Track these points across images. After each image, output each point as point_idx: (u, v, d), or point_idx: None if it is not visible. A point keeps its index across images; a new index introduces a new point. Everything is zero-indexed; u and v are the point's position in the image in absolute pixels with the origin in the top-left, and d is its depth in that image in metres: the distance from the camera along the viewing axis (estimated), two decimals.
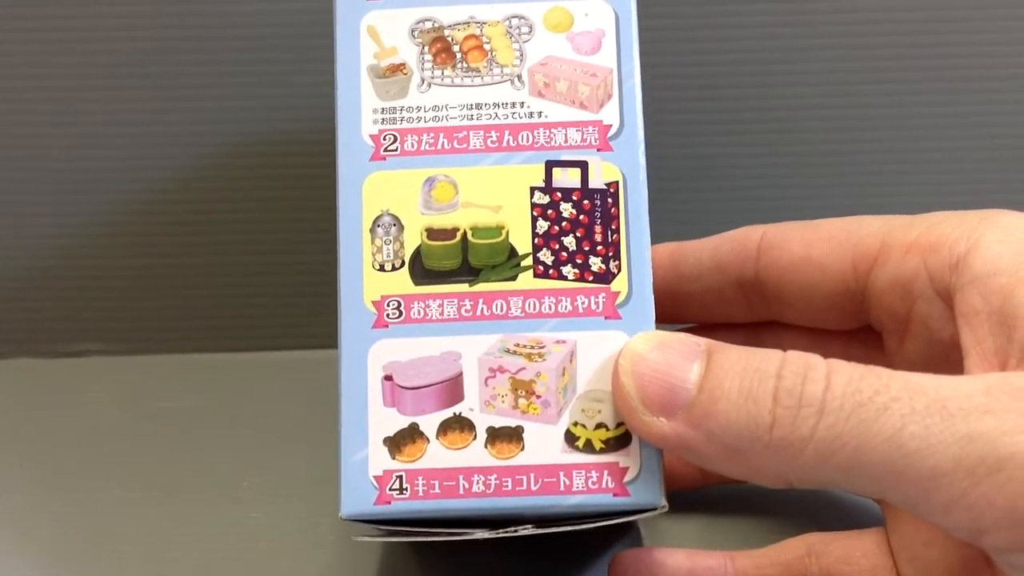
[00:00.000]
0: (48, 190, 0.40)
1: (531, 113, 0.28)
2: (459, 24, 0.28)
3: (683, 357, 0.25)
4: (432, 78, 0.28)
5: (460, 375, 0.27)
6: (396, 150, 0.28)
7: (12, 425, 0.38)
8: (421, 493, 0.26)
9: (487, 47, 0.28)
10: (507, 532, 0.26)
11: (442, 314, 0.27)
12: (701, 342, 0.26)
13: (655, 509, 0.26)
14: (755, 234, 0.31)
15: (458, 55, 0.28)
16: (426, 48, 0.28)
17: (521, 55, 0.28)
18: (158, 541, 0.33)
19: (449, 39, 0.28)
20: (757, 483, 0.26)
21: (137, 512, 0.34)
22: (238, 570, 0.32)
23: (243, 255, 0.40)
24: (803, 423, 0.24)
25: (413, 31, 0.28)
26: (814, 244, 0.30)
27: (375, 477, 0.26)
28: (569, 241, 0.27)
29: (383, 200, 0.27)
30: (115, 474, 0.36)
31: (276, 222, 0.39)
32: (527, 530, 0.26)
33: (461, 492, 0.26)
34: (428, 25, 0.28)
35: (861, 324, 0.31)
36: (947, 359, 0.28)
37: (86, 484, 0.35)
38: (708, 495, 0.34)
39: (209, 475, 0.36)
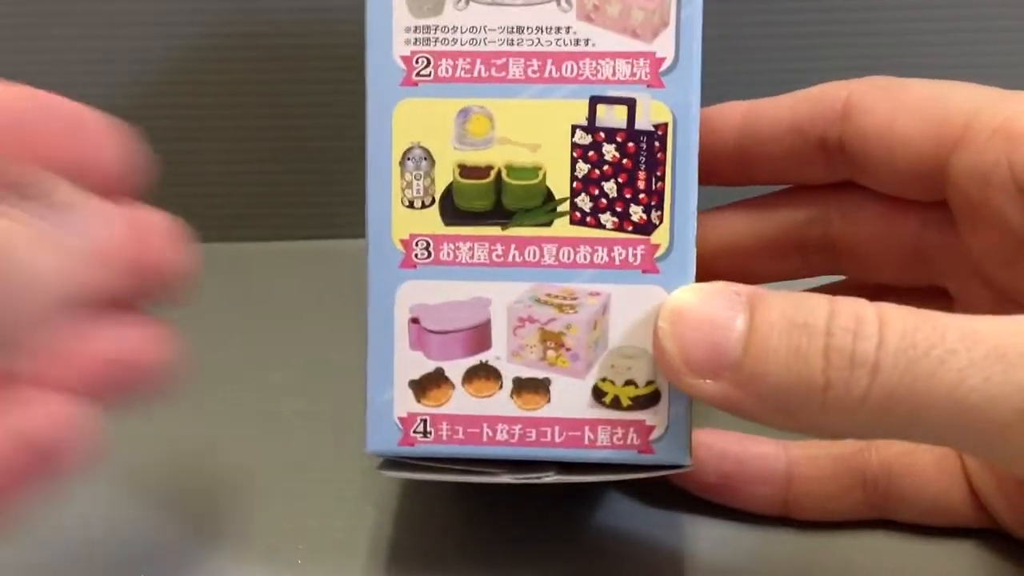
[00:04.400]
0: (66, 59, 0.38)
1: (577, 40, 0.25)
2: None
3: (724, 311, 0.24)
4: None
5: (488, 322, 0.26)
6: (429, 75, 0.26)
7: None
8: (445, 438, 0.26)
9: None
10: (531, 479, 0.26)
11: (472, 257, 0.26)
12: (742, 291, 0.24)
13: (680, 467, 0.26)
14: (840, 93, 0.29)
15: None
16: None
17: None
18: (184, 434, 0.33)
19: None
20: (812, 436, 0.25)
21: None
22: (264, 458, 0.32)
23: (265, 141, 0.38)
24: (856, 384, 0.23)
25: None
26: (898, 115, 0.28)
27: (400, 419, 0.26)
28: (610, 187, 0.26)
29: (414, 131, 0.26)
30: None
31: (298, 106, 0.37)
32: (551, 477, 0.26)
33: (485, 440, 0.26)
34: None
35: (940, 199, 0.29)
36: (1021, 254, 0.26)
37: None
38: None
39: (231, 366, 0.35)
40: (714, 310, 0.24)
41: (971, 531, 0.29)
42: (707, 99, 0.26)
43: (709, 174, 0.27)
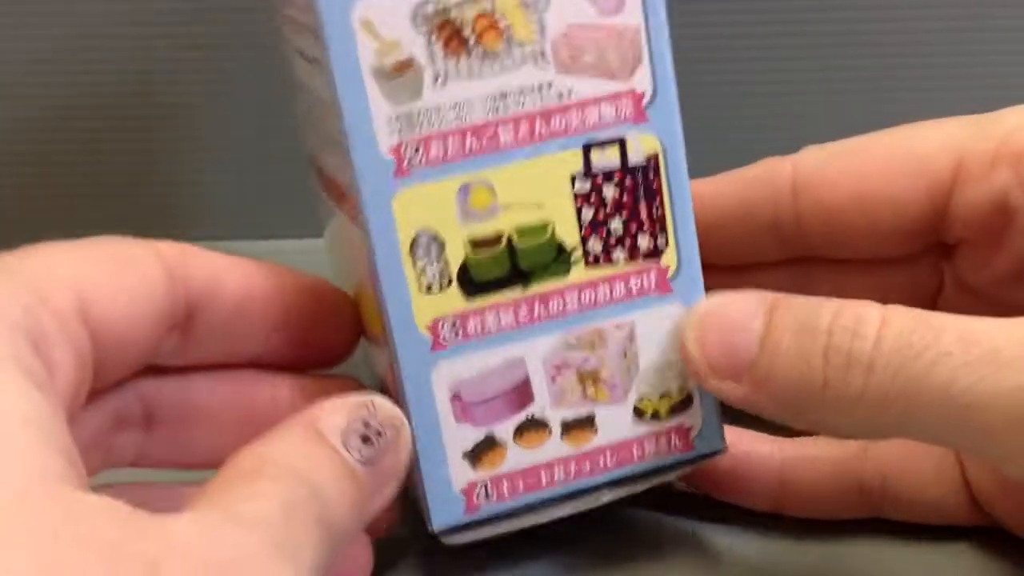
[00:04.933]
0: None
1: (560, 94, 0.25)
2: (466, 1, 0.24)
3: (745, 316, 0.25)
4: (446, 71, 0.24)
5: (527, 379, 0.26)
6: (421, 161, 0.25)
7: None
8: (507, 494, 0.27)
9: (502, 24, 0.24)
10: (591, 504, 0.28)
11: (499, 324, 0.26)
12: (766, 297, 0.25)
13: (718, 453, 0.28)
14: (783, 170, 0.28)
15: (470, 40, 0.24)
16: (434, 36, 0.24)
17: (541, 27, 0.24)
18: None
19: (457, 22, 0.24)
20: (823, 434, 0.27)
21: None
22: None
23: (265, 140, 0.37)
24: (852, 382, 0.23)
25: (415, 17, 0.24)
26: (867, 178, 0.27)
27: (461, 490, 0.27)
28: (616, 225, 0.26)
29: (417, 218, 0.25)
30: None
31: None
32: (607, 497, 0.28)
33: (544, 484, 0.27)
34: (431, 8, 0.24)
35: (927, 247, 0.29)
36: None
37: None
38: None
39: None
40: (734, 314, 0.26)
41: (969, 530, 0.29)
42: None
43: None
